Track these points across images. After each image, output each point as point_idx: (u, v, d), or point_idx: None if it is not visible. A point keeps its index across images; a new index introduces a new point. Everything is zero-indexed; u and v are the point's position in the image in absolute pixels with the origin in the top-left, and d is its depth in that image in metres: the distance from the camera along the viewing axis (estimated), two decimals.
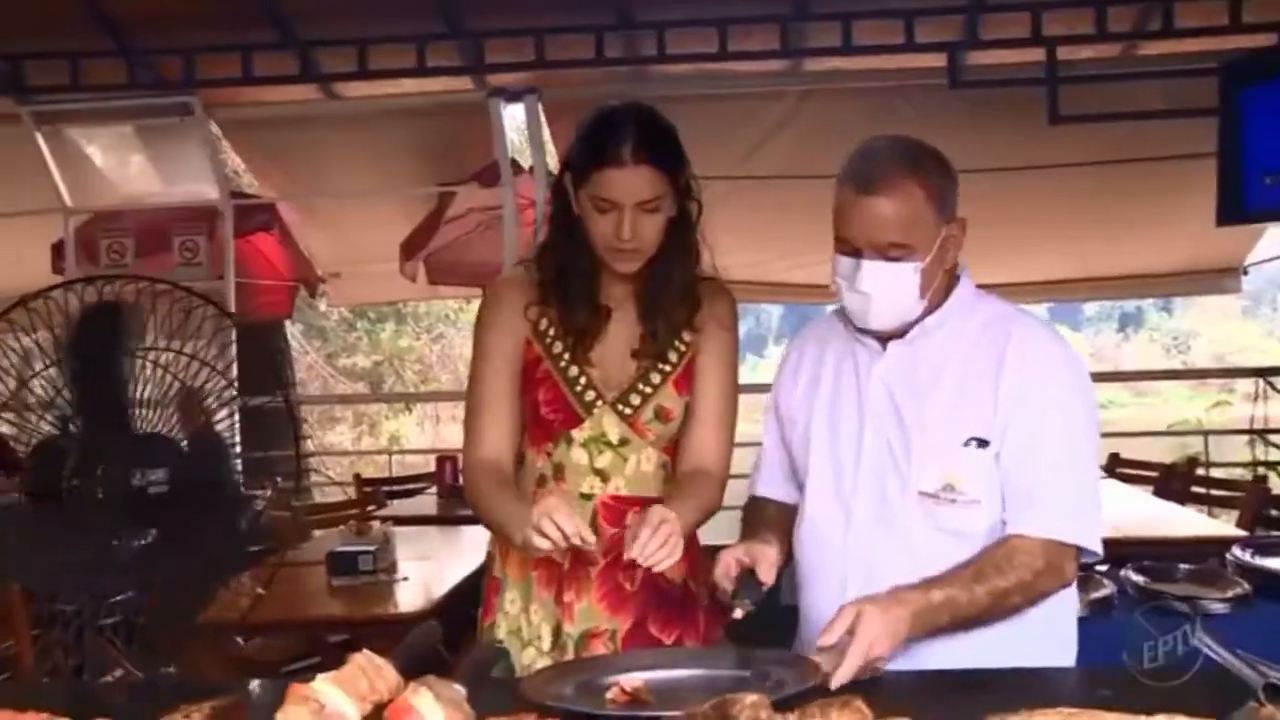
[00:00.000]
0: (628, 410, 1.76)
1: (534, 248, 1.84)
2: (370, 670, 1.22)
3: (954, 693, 1.45)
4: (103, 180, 6.46)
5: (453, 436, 14.60)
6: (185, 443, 1.83)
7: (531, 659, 1.77)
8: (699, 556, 1.82)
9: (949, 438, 1.60)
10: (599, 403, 1.76)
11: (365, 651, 1.26)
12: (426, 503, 4.94)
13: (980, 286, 5.85)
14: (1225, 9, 4.80)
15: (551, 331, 1.77)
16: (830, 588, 1.64)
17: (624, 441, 1.77)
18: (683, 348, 1.78)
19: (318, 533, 4.38)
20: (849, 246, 1.60)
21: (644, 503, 1.76)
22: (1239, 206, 4.56)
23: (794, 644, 1.77)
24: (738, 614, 1.54)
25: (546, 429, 1.77)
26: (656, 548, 1.52)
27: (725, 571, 1.56)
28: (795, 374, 1.77)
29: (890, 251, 1.58)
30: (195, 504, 1.75)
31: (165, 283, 1.93)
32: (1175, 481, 4.41)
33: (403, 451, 10.12)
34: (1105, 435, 6.35)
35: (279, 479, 4.72)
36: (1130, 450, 5.18)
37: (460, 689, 1.23)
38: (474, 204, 5.85)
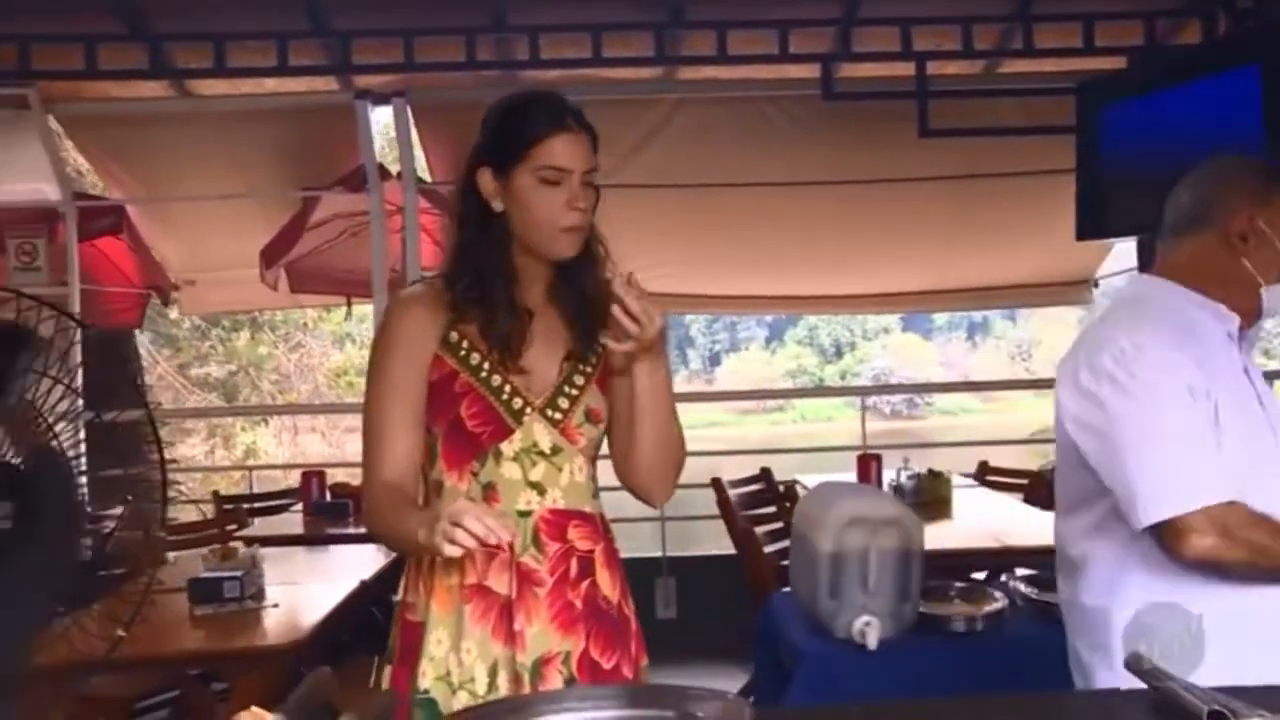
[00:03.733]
0: (557, 415, 1.69)
1: (443, 260, 1.74)
2: None
3: None
4: None
5: (312, 449, 14.14)
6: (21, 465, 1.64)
7: (465, 704, 1.62)
8: (627, 577, 1.77)
9: None
10: (527, 410, 1.68)
11: (254, 709, 1.13)
12: (292, 521, 4.70)
13: (847, 297, 5.90)
14: (1080, 32, 4.98)
15: (466, 344, 1.68)
16: None
17: (556, 450, 1.69)
18: (599, 349, 1.73)
19: (174, 555, 4.11)
20: None
21: (581, 516, 1.71)
22: (1096, 222, 4.72)
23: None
24: None
25: (473, 444, 1.67)
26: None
27: None
28: (1182, 359, 1.69)
29: None
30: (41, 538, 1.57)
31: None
32: (1043, 488, 4.51)
33: (261, 467, 9.73)
34: (972, 444, 6.54)
35: (130, 498, 4.44)
36: (985, 456, 5.28)
37: None
38: (339, 210, 5.64)
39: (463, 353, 1.67)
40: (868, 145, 5.41)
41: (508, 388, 1.67)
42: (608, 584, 1.72)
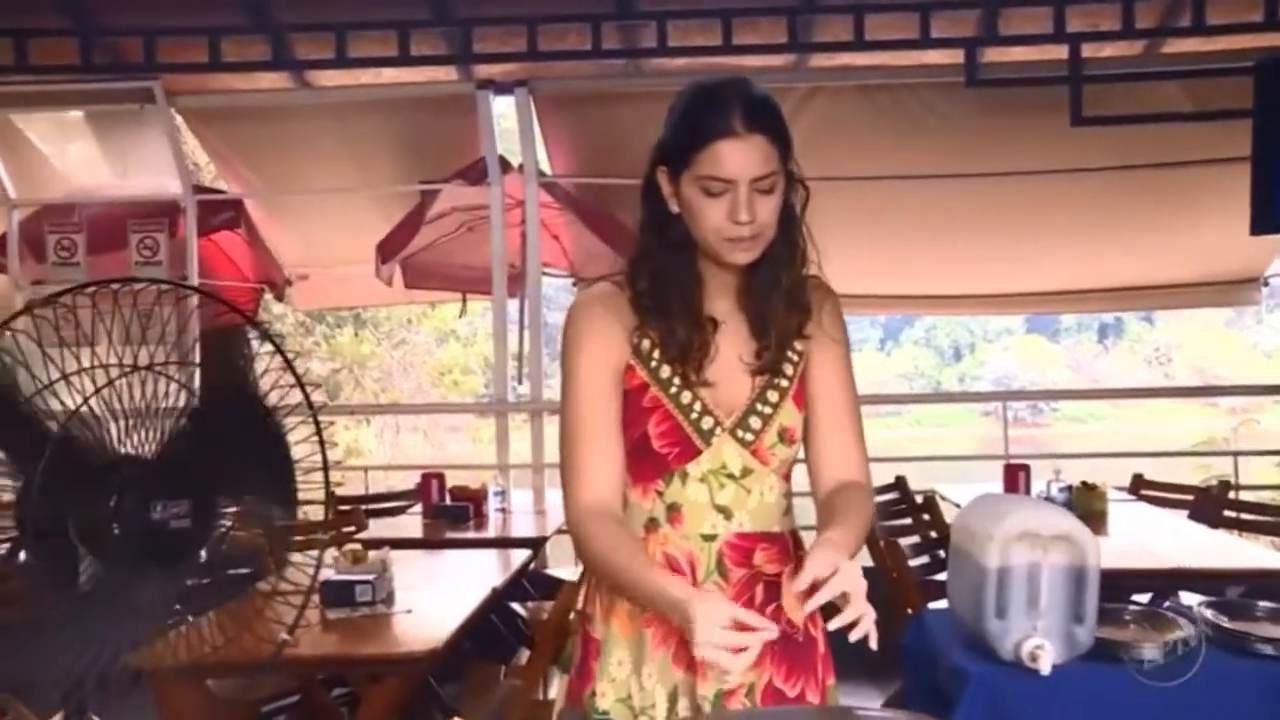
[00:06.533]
0: (749, 435, 1.63)
1: (627, 262, 1.67)
2: None
3: None
4: (51, 170, 6.26)
5: (413, 448, 14.40)
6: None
7: None
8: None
9: None
10: (717, 430, 1.62)
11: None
12: (408, 524, 4.77)
13: (992, 296, 5.72)
14: (1259, 4, 4.74)
15: (656, 354, 1.62)
16: None
17: (746, 472, 1.63)
18: (796, 359, 1.67)
19: (300, 556, 4.19)
20: None
21: (768, 538, 1.65)
22: (1274, 214, 4.52)
23: None
24: None
25: (658, 464, 1.63)
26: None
27: None
28: None
29: None
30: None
31: (195, 290, 1.78)
32: (1211, 505, 4.34)
33: (381, 467, 9.91)
34: (1128, 455, 6.29)
35: (247, 497, 4.54)
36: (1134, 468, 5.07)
37: None
38: (457, 203, 5.72)
39: (653, 363, 1.62)
40: (1013, 135, 5.29)
41: (698, 405, 1.62)
42: (795, 606, 1.66)
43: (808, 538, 1.72)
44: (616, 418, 1.62)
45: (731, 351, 1.64)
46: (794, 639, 1.67)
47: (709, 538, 1.63)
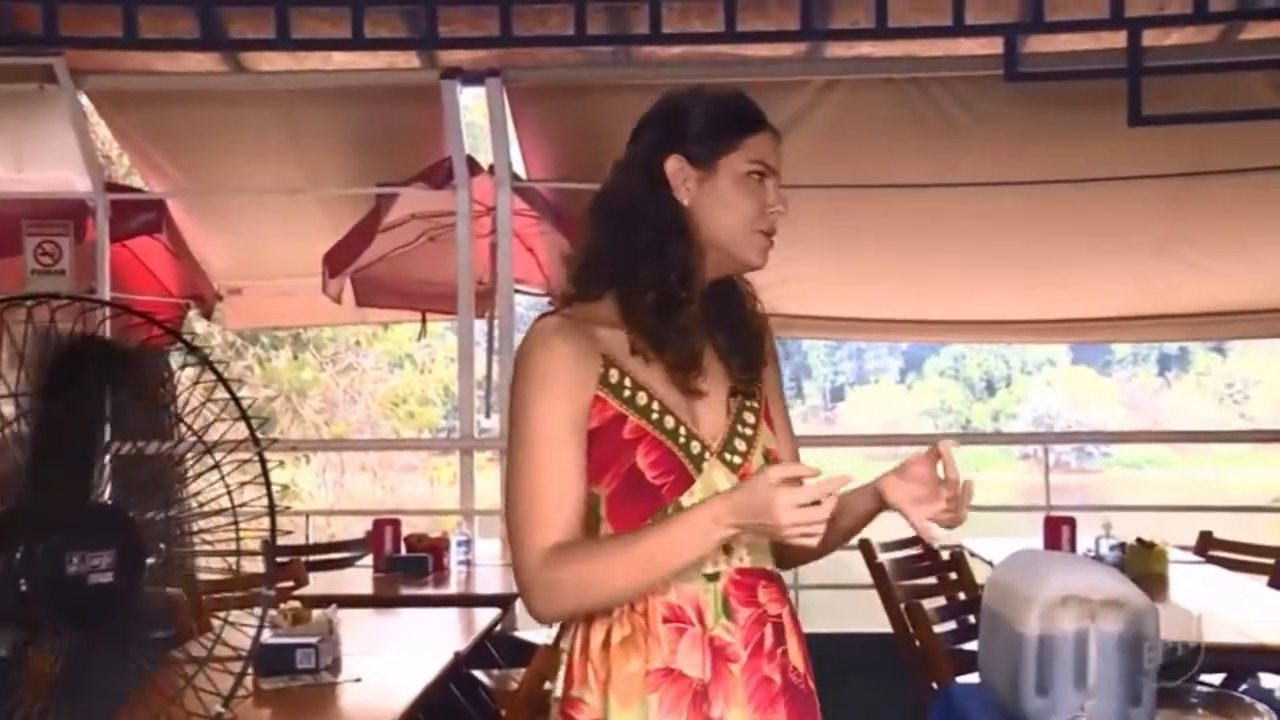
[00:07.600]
0: (736, 459, 1.73)
1: (568, 278, 1.78)
2: None
3: None
4: None
5: (361, 491, 14.35)
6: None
7: None
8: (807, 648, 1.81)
9: None
10: (706, 454, 1.71)
11: None
12: (357, 578, 4.77)
13: (1032, 322, 5.73)
14: None
15: (629, 382, 1.70)
16: None
17: None
18: (759, 382, 1.82)
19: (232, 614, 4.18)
20: None
21: (766, 575, 1.73)
22: None
23: None
24: None
25: (650, 499, 1.68)
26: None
27: None
28: None
29: None
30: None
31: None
32: None
33: (328, 513, 9.89)
34: (1194, 509, 6.28)
35: (163, 545, 4.53)
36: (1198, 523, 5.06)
37: None
38: (418, 209, 5.75)
39: (626, 393, 1.69)
40: (1060, 137, 5.33)
41: (683, 430, 1.71)
42: (795, 652, 1.75)
43: None
44: (582, 464, 1.68)
45: (709, 374, 1.76)
46: (800, 688, 1.75)
47: (712, 577, 1.69)
